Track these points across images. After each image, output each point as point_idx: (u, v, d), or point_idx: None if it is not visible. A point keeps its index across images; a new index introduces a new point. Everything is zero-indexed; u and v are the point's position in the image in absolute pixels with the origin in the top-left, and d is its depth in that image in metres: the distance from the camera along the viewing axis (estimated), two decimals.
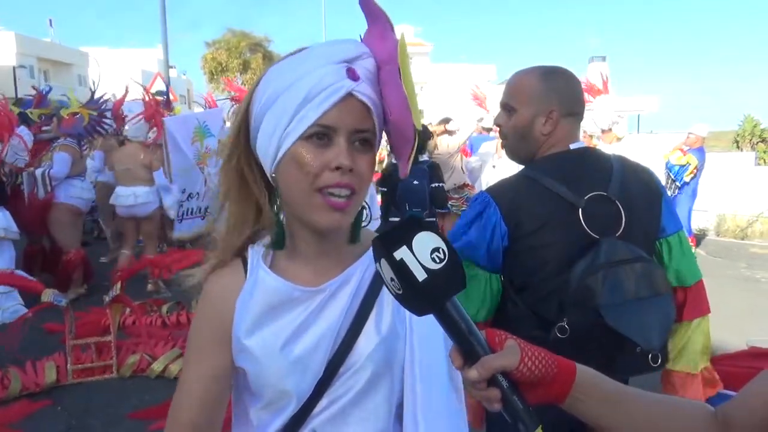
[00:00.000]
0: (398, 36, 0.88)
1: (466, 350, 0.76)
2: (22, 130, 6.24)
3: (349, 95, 0.88)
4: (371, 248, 0.77)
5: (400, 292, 0.74)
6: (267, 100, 0.91)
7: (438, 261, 0.73)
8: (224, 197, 1.00)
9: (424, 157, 5.04)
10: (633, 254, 1.54)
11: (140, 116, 6.36)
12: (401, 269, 0.72)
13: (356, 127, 0.90)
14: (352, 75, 0.88)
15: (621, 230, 1.57)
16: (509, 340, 0.78)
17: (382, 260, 0.74)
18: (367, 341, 0.96)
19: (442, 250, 0.73)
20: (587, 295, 1.49)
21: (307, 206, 0.91)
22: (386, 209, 5.14)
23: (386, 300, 0.98)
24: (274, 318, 0.96)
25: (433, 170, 4.92)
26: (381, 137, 0.96)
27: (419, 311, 0.76)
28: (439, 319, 0.76)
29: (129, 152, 6.33)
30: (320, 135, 0.88)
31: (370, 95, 0.90)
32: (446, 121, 7.33)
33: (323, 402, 0.96)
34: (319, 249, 0.98)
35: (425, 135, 5.16)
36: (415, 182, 4.74)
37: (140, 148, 6.33)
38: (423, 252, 0.73)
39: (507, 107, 1.73)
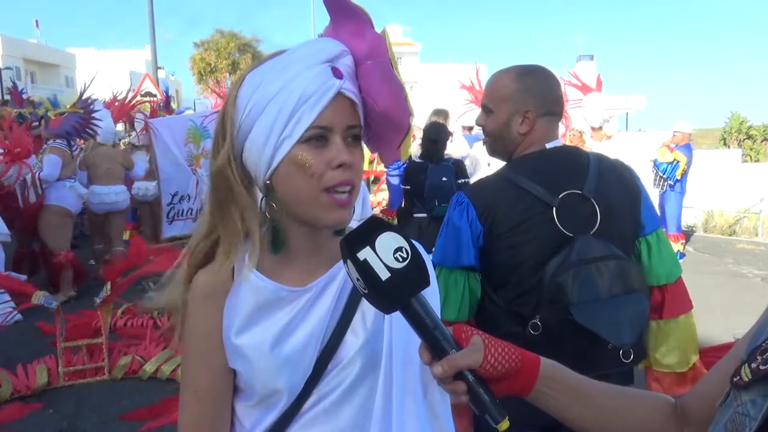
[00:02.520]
0: (380, 31, 0.92)
1: (433, 346, 0.78)
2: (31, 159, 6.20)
3: (338, 93, 0.90)
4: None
5: (366, 291, 0.76)
6: (254, 108, 0.91)
7: (401, 260, 0.75)
8: (213, 208, 0.98)
9: (447, 155, 5.21)
10: (607, 252, 1.55)
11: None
12: (365, 269, 0.75)
13: (348, 123, 0.92)
14: (337, 74, 0.91)
15: (596, 228, 1.58)
16: (474, 336, 0.79)
17: (348, 261, 0.76)
18: (354, 338, 0.97)
19: (405, 249, 0.76)
20: (558, 293, 1.51)
21: (314, 207, 0.92)
22: (410, 206, 5.27)
23: None
24: (262, 318, 0.97)
25: (458, 167, 5.12)
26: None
27: (386, 309, 0.79)
28: (405, 316, 0.79)
29: (107, 153, 6.74)
30: (318, 137, 0.90)
31: (354, 91, 0.93)
32: (439, 113, 7.27)
33: (312, 398, 0.97)
34: (312, 247, 1.00)
35: (446, 134, 5.30)
36: (444, 179, 4.92)
37: (115, 150, 6.85)
38: (386, 252, 0.75)
39: (485, 108, 1.76)
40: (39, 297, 4.02)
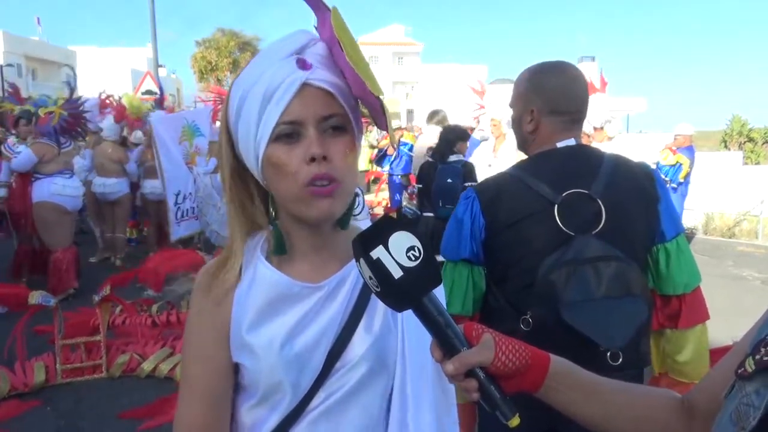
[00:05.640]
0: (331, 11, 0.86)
1: (444, 344, 0.79)
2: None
3: (305, 85, 0.87)
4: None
5: (379, 289, 0.76)
6: (236, 109, 0.91)
7: (413, 259, 0.75)
8: (229, 207, 1.00)
9: (458, 157, 5.09)
10: (607, 253, 1.52)
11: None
12: (378, 268, 0.75)
13: (322, 114, 0.88)
14: (302, 65, 0.87)
15: (600, 228, 1.55)
16: (485, 334, 0.80)
17: (361, 260, 0.76)
18: (362, 338, 0.96)
19: (417, 248, 0.76)
20: (550, 290, 1.50)
21: (299, 204, 0.91)
22: (420, 205, 5.30)
23: None
24: (273, 313, 0.95)
25: (467, 170, 5.02)
26: (358, 120, 0.95)
27: (398, 307, 0.79)
28: (417, 314, 0.79)
29: (101, 149, 7.46)
30: (288, 133, 0.88)
31: (329, 79, 0.89)
32: (435, 114, 7.29)
33: (320, 396, 0.96)
34: (314, 244, 0.98)
35: (458, 135, 5.24)
36: (449, 180, 4.86)
37: (111, 145, 7.41)
38: (399, 251, 0.75)
39: (510, 106, 1.80)
40: (36, 297, 4.00)
